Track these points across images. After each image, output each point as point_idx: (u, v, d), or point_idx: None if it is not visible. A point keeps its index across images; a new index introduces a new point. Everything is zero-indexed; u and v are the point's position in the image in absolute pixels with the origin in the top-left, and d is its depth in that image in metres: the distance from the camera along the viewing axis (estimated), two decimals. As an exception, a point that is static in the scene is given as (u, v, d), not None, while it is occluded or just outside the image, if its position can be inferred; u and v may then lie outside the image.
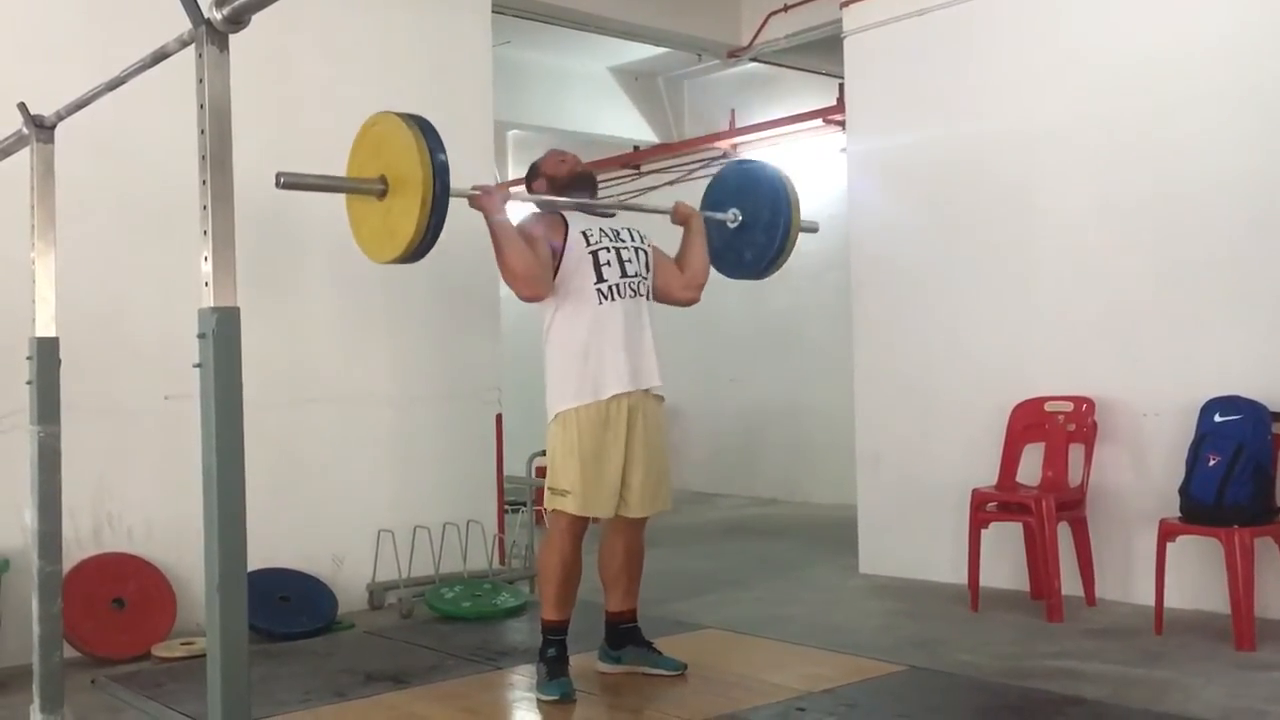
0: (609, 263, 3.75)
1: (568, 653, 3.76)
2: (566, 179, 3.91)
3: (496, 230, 3.60)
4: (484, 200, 3.60)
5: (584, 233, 3.77)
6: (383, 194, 3.24)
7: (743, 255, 4.20)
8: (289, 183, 3.07)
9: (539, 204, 3.90)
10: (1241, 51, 4.97)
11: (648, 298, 3.86)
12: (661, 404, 3.88)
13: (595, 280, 3.72)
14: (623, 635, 3.95)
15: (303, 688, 3.96)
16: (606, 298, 3.72)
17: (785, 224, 4.09)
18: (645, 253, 3.89)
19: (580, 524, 3.74)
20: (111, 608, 4.77)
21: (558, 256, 3.73)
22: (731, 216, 4.17)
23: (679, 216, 4.11)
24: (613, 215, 3.97)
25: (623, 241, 3.82)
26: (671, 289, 4.01)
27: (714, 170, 9.74)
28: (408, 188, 3.16)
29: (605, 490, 3.69)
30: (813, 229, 4.25)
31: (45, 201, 3.30)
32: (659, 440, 3.83)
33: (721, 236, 4.19)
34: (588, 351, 3.69)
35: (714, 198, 4.28)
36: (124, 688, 4.08)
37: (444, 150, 3.17)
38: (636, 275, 3.81)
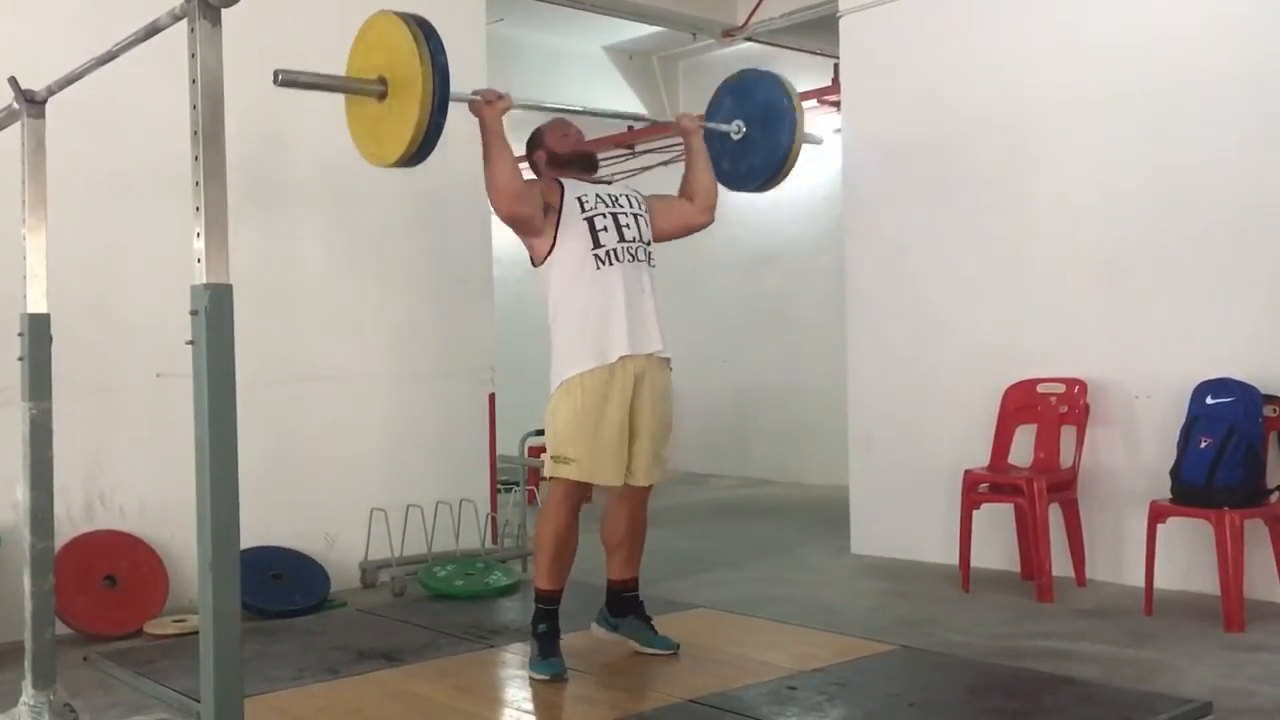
0: (605, 228, 3.72)
1: (558, 626, 3.77)
2: (568, 156, 3.89)
3: (489, 141, 3.58)
4: (484, 110, 3.58)
5: (579, 198, 3.74)
6: (382, 95, 3.20)
7: (752, 164, 4.15)
8: (286, 80, 3.04)
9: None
10: (1237, 33, 4.96)
11: (649, 263, 3.82)
12: (668, 370, 3.86)
13: (592, 246, 3.69)
14: (626, 604, 3.97)
15: (295, 665, 3.97)
16: (604, 262, 3.69)
17: (789, 129, 4.04)
18: (643, 218, 3.86)
19: (578, 493, 3.74)
20: (103, 585, 4.77)
21: (555, 217, 3.71)
22: (735, 128, 4.11)
23: (680, 130, 4.08)
24: (610, 181, 3.95)
25: (620, 207, 3.79)
26: (685, 217, 4.01)
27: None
28: (408, 89, 3.11)
29: (610, 458, 3.68)
30: (816, 141, 4.24)
31: (36, 177, 3.28)
32: (666, 406, 3.84)
33: (725, 148, 4.14)
34: (588, 313, 3.67)
35: (715, 114, 4.23)
36: (116, 665, 4.08)
37: (444, 51, 3.13)
38: (635, 240, 3.77)
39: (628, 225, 3.77)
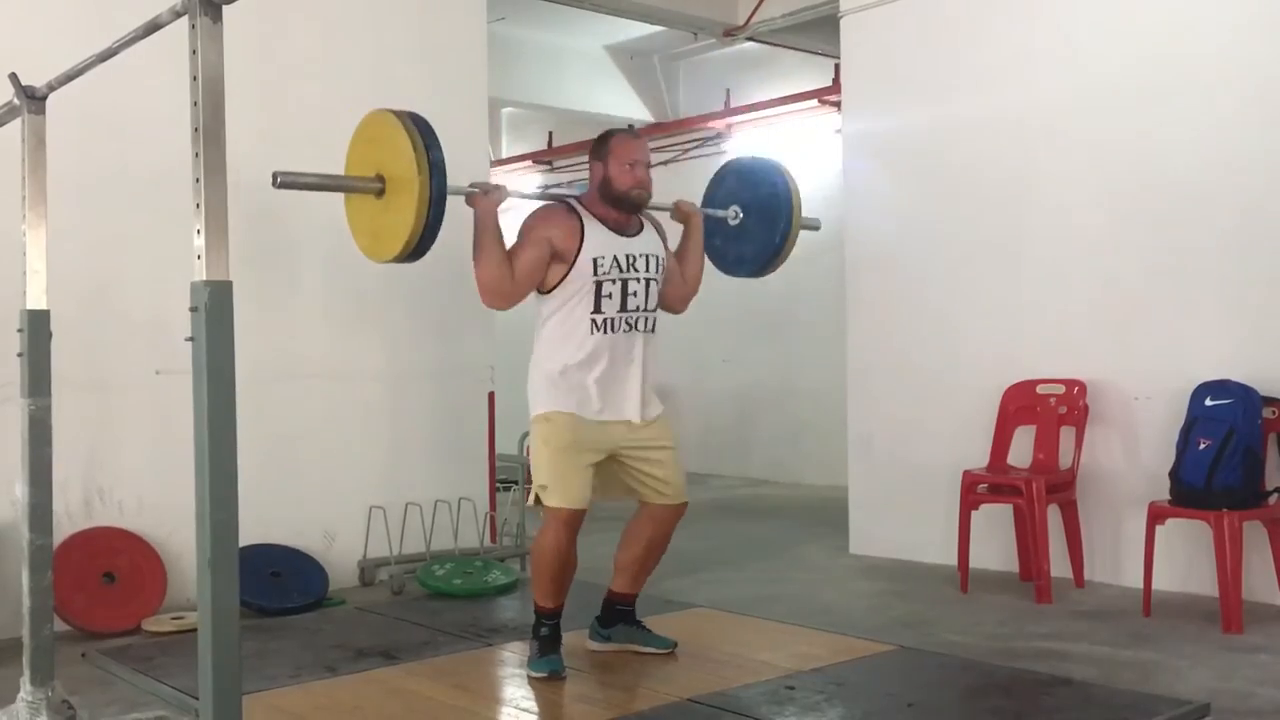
0: (610, 294, 3.63)
1: (560, 633, 3.76)
2: (619, 194, 3.65)
3: (481, 235, 3.53)
4: (479, 201, 3.54)
5: (595, 260, 3.61)
6: (380, 192, 3.20)
7: (743, 253, 4.13)
8: (285, 182, 3.04)
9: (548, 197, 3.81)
10: (1237, 39, 4.96)
11: (648, 330, 3.73)
12: (655, 423, 3.78)
13: (592, 310, 3.62)
14: (615, 614, 3.95)
15: (293, 663, 3.97)
16: (599, 329, 3.62)
17: (786, 222, 4.01)
18: (655, 281, 3.74)
19: (572, 519, 3.64)
20: (102, 582, 4.77)
21: (566, 264, 3.60)
22: (733, 214, 4.07)
23: (679, 214, 3.99)
24: (641, 230, 3.76)
25: (635, 272, 3.66)
26: (667, 300, 3.92)
27: (708, 151, 9.80)
28: (405, 187, 3.12)
29: (578, 480, 3.61)
30: (814, 227, 4.16)
31: (36, 173, 3.28)
32: (662, 441, 3.78)
33: (722, 234, 4.12)
34: (567, 371, 3.63)
35: (714, 194, 4.20)
36: (115, 661, 4.07)
37: (440, 148, 3.13)
38: (637, 310, 3.67)
39: (635, 293, 3.66)
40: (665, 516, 3.80)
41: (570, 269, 3.60)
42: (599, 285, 3.61)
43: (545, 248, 3.58)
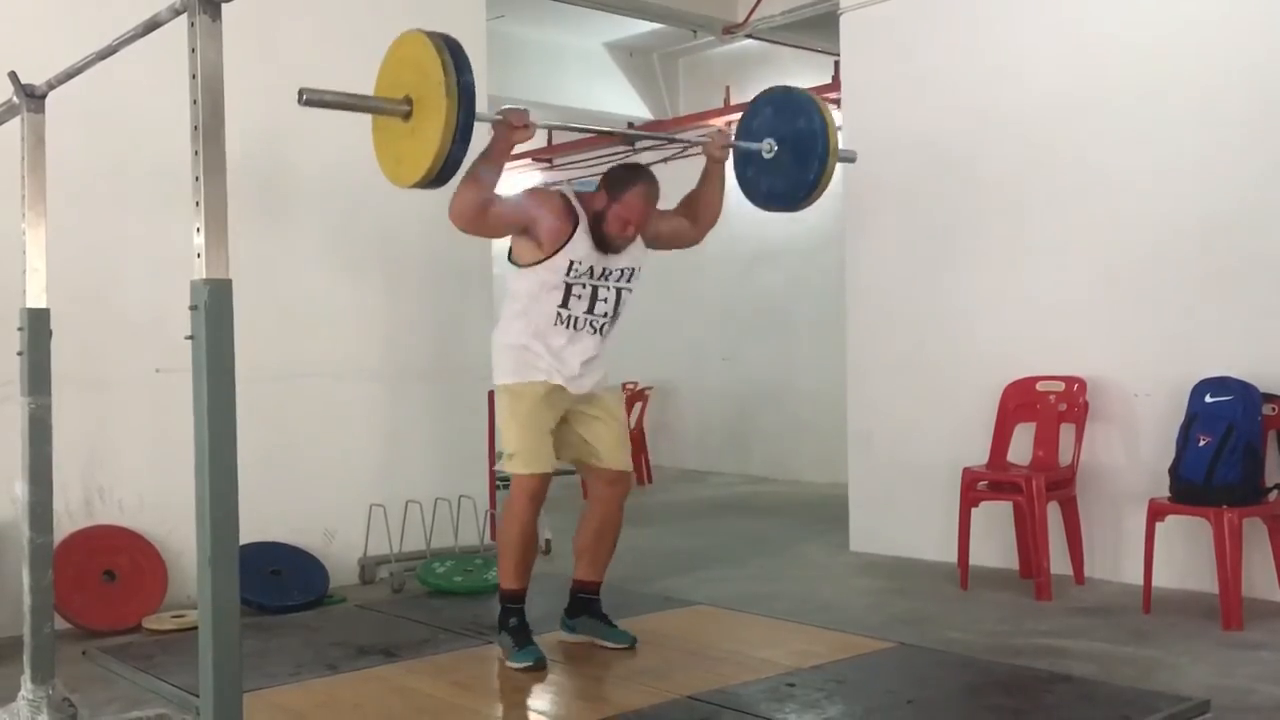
0: (580, 296, 3.71)
1: (527, 620, 3.83)
2: (605, 232, 3.68)
3: (485, 157, 3.51)
4: (505, 132, 3.52)
5: (573, 261, 3.67)
6: (408, 115, 3.16)
7: (774, 187, 4.07)
8: (311, 99, 3.01)
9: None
10: (1238, 35, 4.96)
11: (605, 334, 3.82)
12: (604, 395, 3.89)
13: (559, 304, 3.70)
14: (580, 604, 4.00)
15: (294, 661, 3.97)
16: (562, 323, 3.71)
17: (820, 159, 3.92)
18: (627, 290, 3.82)
19: (536, 487, 3.76)
20: (102, 580, 4.78)
21: (542, 253, 3.66)
22: (767, 146, 4.01)
23: (707, 152, 3.99)
24: (624, 249, 3.78)
25: (607, 280, 3.74)
26: (679, 231, 3.98)
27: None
28: (432, 110, 3.07)
29: (542, 446, 3.72)
30: (850, 159, 4.12)
31: (36, 172, 3.28)
32: (614, 410, 3.92)
33: (756, 166, 4.08)
34: (529, 347, 3.71)
35: (750, 124, 4.15)
36: (115, 659, 4.08)
37: (470, 71, 3.08)
38: (603, 315, 3.76)
39: (604, 299, 3.74)
40: (608, 493, 3.92)
41: (546, 259, 3.66)
42: (569, 286, 3.69)
43: (526, 218, 3.64)
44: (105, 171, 4.88)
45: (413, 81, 3.16)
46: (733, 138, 4.10)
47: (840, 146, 3.98)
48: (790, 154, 3.98)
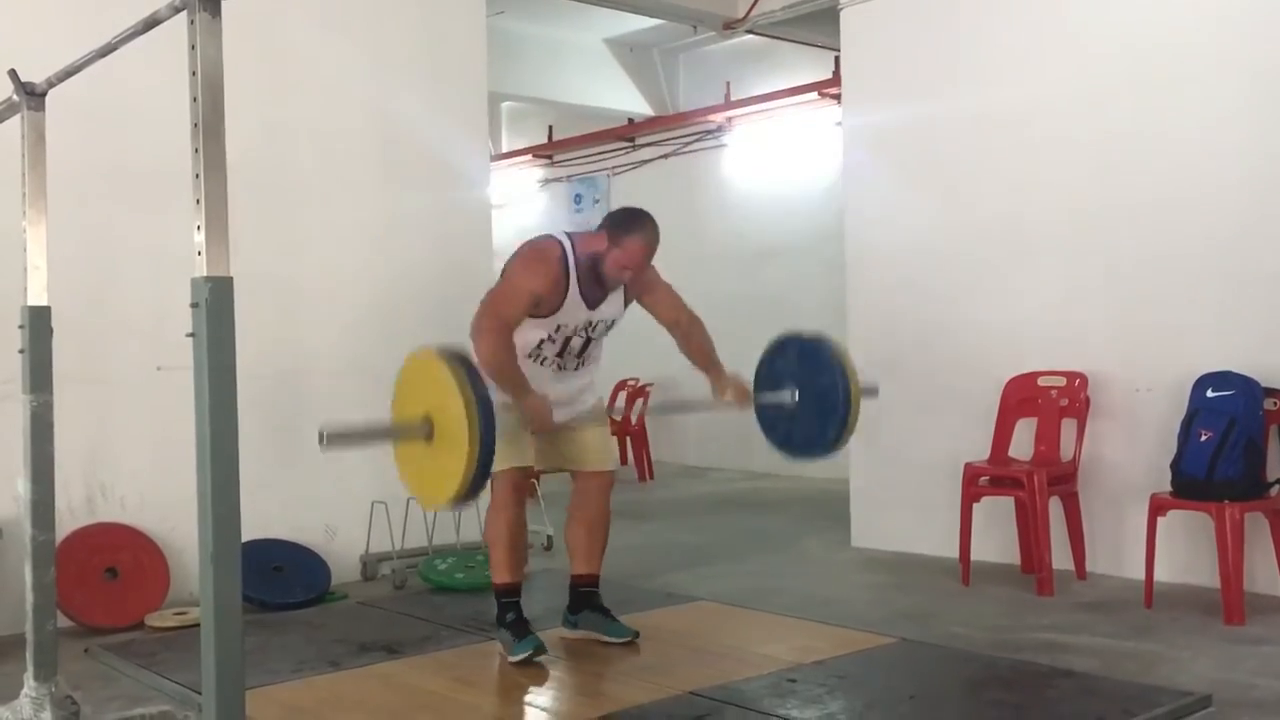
0: (553, 339, 3.80)
1: (524, 613, 3.87)
2: (603, 274, 3.73)
3: (496, 383, 3.52)
4: (518, 407, 3.60)
5: (560, 325, 3.76)
6: (429, 436, 3.10)
7: (791, 434, 4.02)
8: (333, 436, 3.00)
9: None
10: (1239, 26, 4.95)
11: (575, 369, 3.91)
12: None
13: (536, 344, 3.78)
14: (581, 599, 4.02)
15: (296, 658, 3.98)
16: (533, 358, 3.80)
17: (845, 399, 3.85)
18: (597, 340, 3.91)
19: (520, 479, 3.86)
20: (104, 577, 4.78)
21: (543, 311, 3.73)
22: (789, 397, 3.96)
23: (738, 403, 3.96)
24: (607, 296, 3.83)
25: (583, 334, 3.84)
26: (656, 317, 4.03)
27: (709, 144, 9.80)
28: (454, 434, 3.01)
29: (521, 440, 3.75)
30: (873, 392, 4.03)
31: (36, 169, 3.27)
32: (595, 416, 4.02)
33: (782, 417, 4.02)
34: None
35: (767, 375, 4.10)
36: (117, 657, 4.09)
37: (484, 385, 3.06)
38: (571, 355, 3.87)
39: (574, 347, 3.85)
40: (589, 486, 3.98)
41: (536, 318, 3.73)
42: (549, 336, 3.79)
43: (531, 300, 3.69)
44: (106, 169, 4.88)
45: (429, 400, 3.11)
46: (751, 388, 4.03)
47: (862, 384, 3.87)
48: (813, 405, 3.91)
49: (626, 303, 3.94)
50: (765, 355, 4.13)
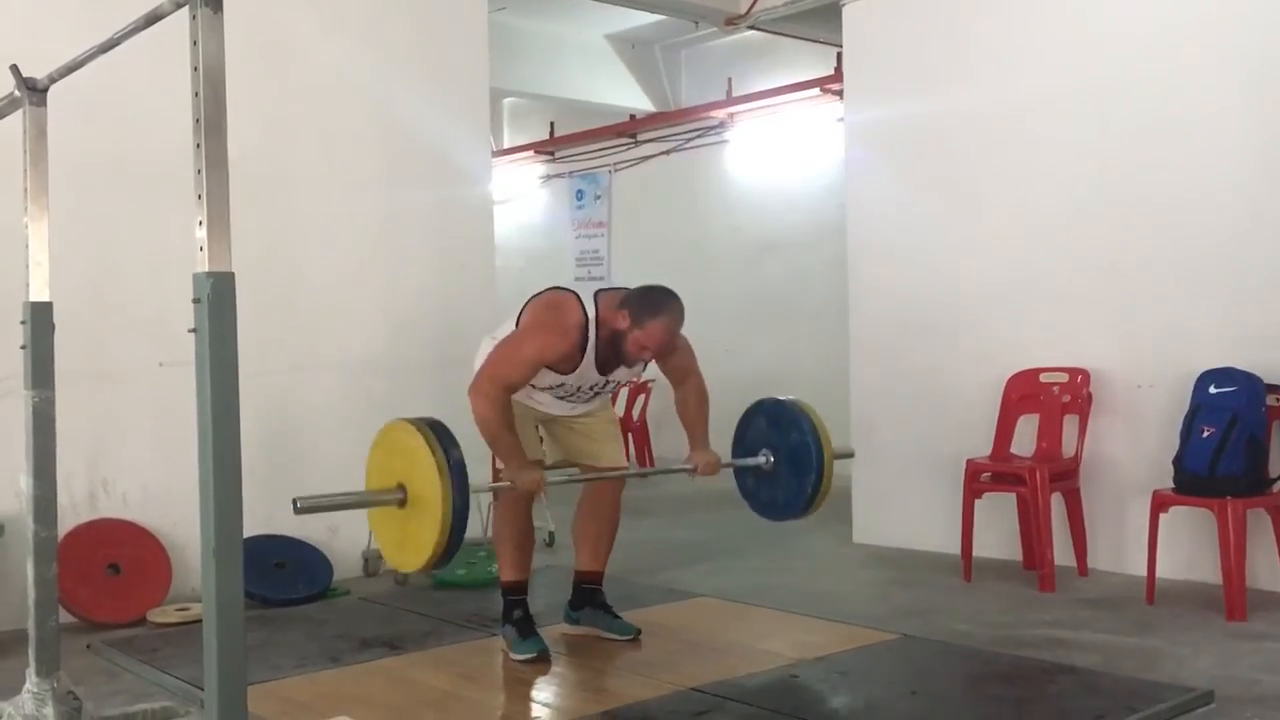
0: (564, 385, 3.81)
1: (530, 612, 3.89)
2: (622, 349, 3.70)
3: (491, 446, 3.69)
4: (507, 476, 3.64)
5: (566, 382, 3.77)
6: (402, 502, 3.17)
7: (775, 498, 4.11)
8: (306, 507, 3.08)
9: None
10: (1239, 22, 4.94)
11: (586, 402, 3.95)
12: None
13: (545, 385, 3.79)
14: (584, 595, 4.03)
15: (298, 653, 3.98)
16: (531, 395, 3.84)
17: (817, 463, 3.90)
18: (598, 395, 3.94)
19: None
20: (106, 573, 4.78)
21: (555, 370, 3.74)
22: (764, 460, 4.05)
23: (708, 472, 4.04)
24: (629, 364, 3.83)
25: (580, 394, 3.86)
26: (666, 374, 4.05)
27: (710, 140, 9.79)
28: (426, 499, 3.08)
29: (528, 435, 3.81)
30: (848, 455, 4.14)
31: (38, 165, 3.27)
32: (599, 420, 4.05)
33: (757, 480, 4.13)
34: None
35: (742, 440, 4.18)
36: (120, 652, 4.09)
37: (458, 447, 3.12)
38: (581, 399, 3.90)
39: (582, 394, 3.88)
40: (602, 483, 3.99)
41: (548, 370, 3.72)
42: (559, 383, 3.79)
43: (539, 369, 3.68)
44: (108, 165, 4.88)
45: (403, 468, 3.18)
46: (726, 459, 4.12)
47: (835, 447, 3.96)
48: (787, 466, 4.00)
49: (646, 364, 3.92)
50: (741, 419, 4.21)
